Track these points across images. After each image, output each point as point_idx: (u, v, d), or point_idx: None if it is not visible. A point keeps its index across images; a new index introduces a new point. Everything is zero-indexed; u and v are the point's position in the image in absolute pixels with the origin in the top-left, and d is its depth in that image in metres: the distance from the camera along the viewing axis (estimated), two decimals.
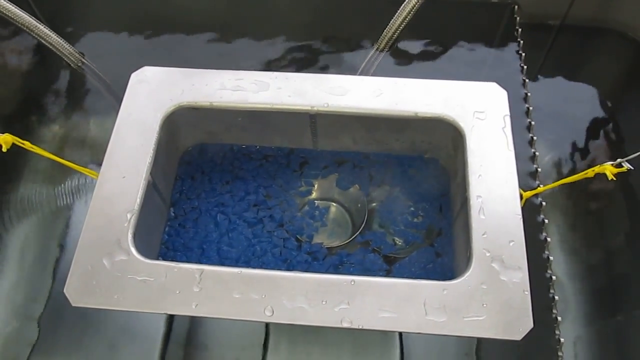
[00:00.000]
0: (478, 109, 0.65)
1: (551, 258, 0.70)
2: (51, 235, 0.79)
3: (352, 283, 0.52)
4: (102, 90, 0.88)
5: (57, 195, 0.83)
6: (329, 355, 0.69)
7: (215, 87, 0.66)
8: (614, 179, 0.51)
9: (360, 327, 0.50)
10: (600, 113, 0.90)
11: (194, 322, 0.71)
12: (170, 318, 0.71)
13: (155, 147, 0.61)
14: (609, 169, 0.51)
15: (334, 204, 0.76)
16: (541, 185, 0.74)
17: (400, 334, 0.71)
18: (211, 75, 0.67)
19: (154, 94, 0.66)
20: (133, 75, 0.67)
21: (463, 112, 0.65)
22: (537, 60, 0.93)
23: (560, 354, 0.66)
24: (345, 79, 0.67)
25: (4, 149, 0.58)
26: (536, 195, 0.75)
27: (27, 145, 0.57)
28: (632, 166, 0.51)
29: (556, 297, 0.68)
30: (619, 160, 0.51)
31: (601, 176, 0.52)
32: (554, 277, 0.69)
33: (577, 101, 0.91)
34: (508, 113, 0.65)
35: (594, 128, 0.87)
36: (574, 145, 0.86)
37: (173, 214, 0.70)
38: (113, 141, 0.62)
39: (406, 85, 0.67)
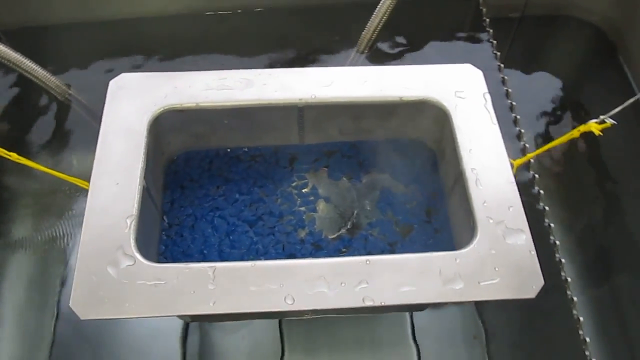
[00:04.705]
0: (458, 89, 0.68)
1: (552, 225, 0.73)
2: (56, 255, 0.77)
3: (367, 262, 0.52)
4: (90, 121, 0.86)
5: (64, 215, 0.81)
6: None
7: (200, 88, 0.65)
8: (601, 134, 0.54)
9: (383, 303, 0.50)
10: (563, 94, 0.96)
11: (206, 341, 0.69)
12: (184, 337, 0.68)
13: (145, 151, 0.59)
14: (594, 126, 0.54)
15: (323, 199, 0.76)
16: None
17: (413, 329, 0.72)
18: (194, 77, 0.66)
19: (136, 99, 0.64)
20: (112, 82, 0.65)
21: (445, 93, 0.67)
22: (502, 52, 0.98)
23: (575, 312, 0.67)
24: (329, 70, 0.68)
25: None
26: (528, 169, 0.78)
27: (13, 156, 0.53)
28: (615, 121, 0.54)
29: (563, 260, 0.70)
30: (601, 117, 0.54)
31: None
32: (557, 242, 0.71)
33: (541, 85, 0.97)
34: (487, 90, 0.68)
35: (561, 107, 0.93)
36: (544, 125, 0.91)
37: (167, 224, 0.68)
38: (100, 149, 0.59)
39: (388, 72, 0.68)
